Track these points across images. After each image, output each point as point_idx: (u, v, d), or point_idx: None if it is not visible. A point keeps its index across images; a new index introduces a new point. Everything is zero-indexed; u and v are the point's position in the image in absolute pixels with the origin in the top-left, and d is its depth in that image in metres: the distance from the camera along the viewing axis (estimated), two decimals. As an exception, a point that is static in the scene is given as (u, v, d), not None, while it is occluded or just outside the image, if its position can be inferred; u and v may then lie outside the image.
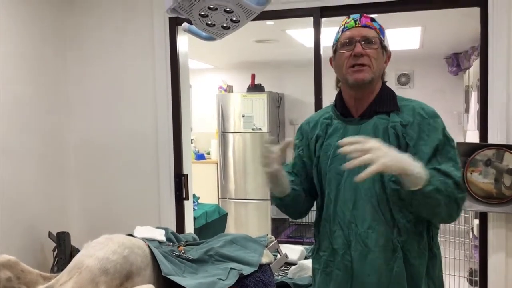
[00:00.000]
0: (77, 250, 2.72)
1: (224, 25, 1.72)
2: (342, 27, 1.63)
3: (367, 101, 1.61)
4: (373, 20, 1.61)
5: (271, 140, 1.56)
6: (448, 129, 1.58)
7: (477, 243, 3.07)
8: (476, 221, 3.22)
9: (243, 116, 6.06)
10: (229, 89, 6.48)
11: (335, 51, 1.65)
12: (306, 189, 1.72)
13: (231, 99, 6.14)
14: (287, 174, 1.65)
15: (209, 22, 1.70)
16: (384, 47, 1.61)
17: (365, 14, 1.63)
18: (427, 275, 1.57)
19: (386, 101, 1.61)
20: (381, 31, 1.62)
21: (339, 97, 1.69)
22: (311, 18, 2.79)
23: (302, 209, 1.72)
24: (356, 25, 1.59)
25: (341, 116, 1.66)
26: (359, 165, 1.34)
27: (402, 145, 1.53)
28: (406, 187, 1.42)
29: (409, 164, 1.37)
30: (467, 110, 4.96)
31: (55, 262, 2.74)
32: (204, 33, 1.83)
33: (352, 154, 1.36)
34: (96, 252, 1.55)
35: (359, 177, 1.33)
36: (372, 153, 1.34)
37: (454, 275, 3.50)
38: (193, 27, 1.83)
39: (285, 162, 1.61)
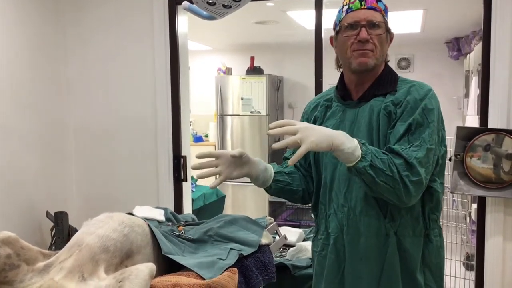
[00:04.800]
0: (75, 230, 2.72)
1: (225, 3, 1.70)
2: (346, 6, 1.56)
3: (368, 84, 1.59)
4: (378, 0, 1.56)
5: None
6: (445, 113, 1.55)
7: (474, 227, 3.09)
8: (474, 206, 3.23)
9: (241, 99, 6.04)
10: (228, 71, 6.45)
11: (337, 32, 1.60)
12: (306, 174, 1.73)
13: (230, 82, 6.11)
14: (277, 166, 1.69)
15: (210, 1, 1.68)
16: (388, 30, 1.57)
17: None
18: (422, 262, 1.57)
19: (386, 84, 1.58)
20: (385, 11, 1.57)
21: (341, 79, 1.68)
22: (313, -1, 2.76)
23: (296, 194, 1.71)
24: (362, 7, 1.52)
25: (341, 99, 1.65)
26: (286, 145, 1.35)
27: (392, 124, 1.51)
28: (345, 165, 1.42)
29: (339, 140, 1.36)
30: (467, 95, 4.95)
31: (53, 242, 2.74)
32: (204, 12, 1.81)
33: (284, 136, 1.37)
34: (96, 230, 1.54)
35: (291, 160, 1.34)
36: (300, 133, 1.34)
37: (451, 259, 3.53)
38: (193, 6, 1.80)
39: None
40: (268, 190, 1.66)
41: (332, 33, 1.65)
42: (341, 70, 1.67)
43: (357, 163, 1.37)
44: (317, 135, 1.34)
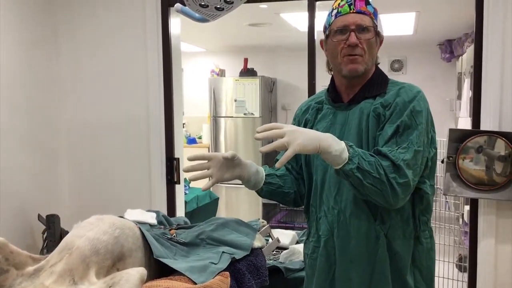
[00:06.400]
0: (67, 233, 2.69)
1: (218, 6, 1.69)
2: (336, 10, 1.57)
3: (358, 87, 1.60)
4: (367, 3, 1.56)
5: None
6: (438, 115, 1.55)
7: (467, 229, 3.10)
8: (467, 208, 3.24)
9: (235, 101, 6.03)
10: (221, 73, 6.44)
11: (327, 36, 1.60)
12: (298, 176, 1.73)
13: (223, 83, 6.11)
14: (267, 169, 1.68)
15: (202, 3, 1.68)
16: (377, 33, 1.57)
17: None
18: (413, 264, 1.57)
19: (376, 86, 1.58)
20: (375, 14, 1.57)
21: (332, 82, 1.68)
22: (305, 1, 2.75)
23: (288, 197, 1.71)
24: (351, 11, 1.53)
25: (332, 101, 1.65)
26: (274, 148, 1.35)
27: (381, 126, 1.51)
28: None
29: (326, 142, 1.36)
30: (459, 97, 4.97)
31: (45, 245, 2.72)
32: (197, 14, 1.81)
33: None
34: (86, 232, 1.53)
35: (278, 163, 1.36)
36: (287, 136, 1.34)
37: (444, 261, 3.53)
38: (186, 8, 1.80)
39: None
40: (260, 192, 1.66)
41: (323, 36, 1.65)
42: (332, 73, 1.67)
43: (344, 165, 1.37)
44: (303, 138, 1.34)
